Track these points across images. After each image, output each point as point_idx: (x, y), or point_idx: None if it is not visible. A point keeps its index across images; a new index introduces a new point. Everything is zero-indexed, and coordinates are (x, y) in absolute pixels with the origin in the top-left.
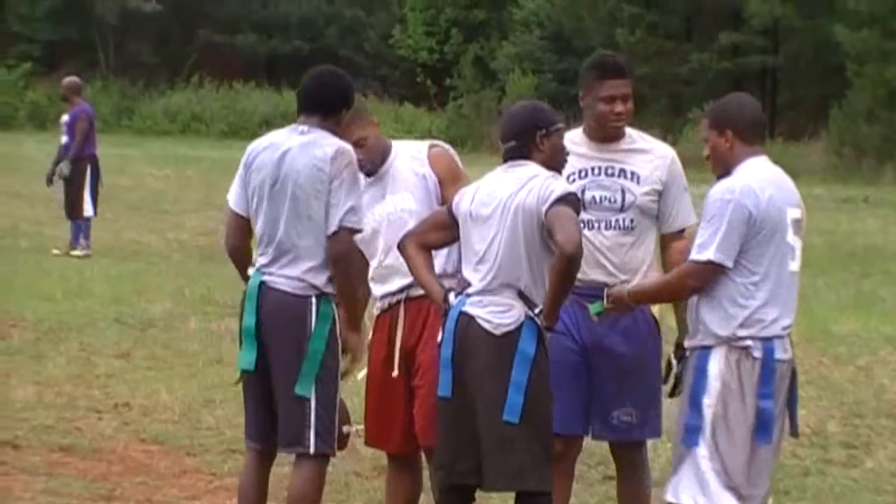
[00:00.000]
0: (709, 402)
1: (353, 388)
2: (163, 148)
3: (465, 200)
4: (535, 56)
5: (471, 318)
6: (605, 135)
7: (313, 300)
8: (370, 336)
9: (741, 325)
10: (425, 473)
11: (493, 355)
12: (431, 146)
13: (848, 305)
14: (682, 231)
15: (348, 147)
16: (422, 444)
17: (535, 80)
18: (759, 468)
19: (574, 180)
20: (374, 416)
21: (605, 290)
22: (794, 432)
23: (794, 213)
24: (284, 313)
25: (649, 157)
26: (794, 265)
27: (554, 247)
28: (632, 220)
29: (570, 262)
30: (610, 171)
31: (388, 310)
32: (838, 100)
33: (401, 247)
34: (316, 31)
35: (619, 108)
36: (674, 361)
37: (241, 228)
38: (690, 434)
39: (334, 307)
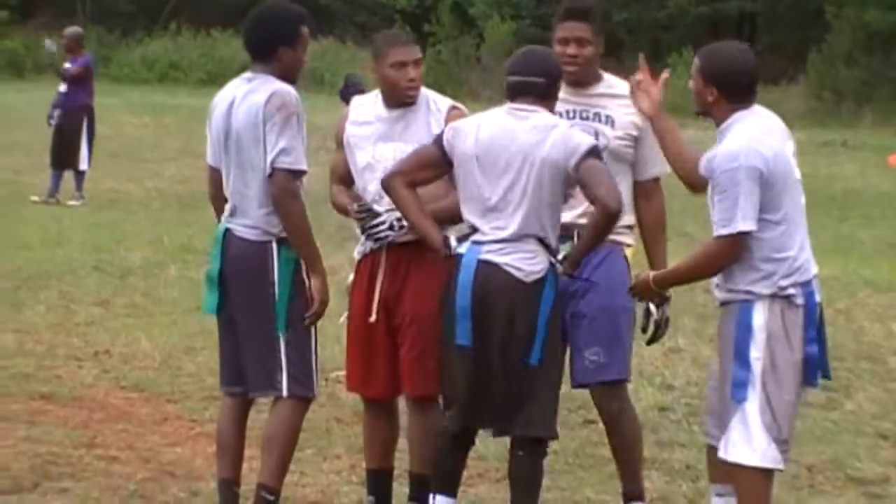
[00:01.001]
0: (756, 355)
1: (335, 334)
2: (141, 96)
3: (463, 139)
4: (514, 1)
5: (494, 265)
6: (566, 78)
7: (273, 245)
8: (351, 278)
9: (783, 276)
10: (403, 419)
11: (523, 302)
12: (453, 108)
13: (827, 249)
14: (656, 180)
15: (284, 89)
16: (409, 394)
17: (513, 25)
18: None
19: None
20: (355, 361)
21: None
22: (827, 374)
23: (790, 147)
24: (246, 260)
25: (625, 101)
26: (803, 198)
27: (583, 199)
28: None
29: (612, 218)
30: (584, 115)
31: (369, 254)
32: (817, 43)
33: (387, 187)
34: None
35: (570, 49)
36: (653, 308)
37: (216, 179)
38: (738, 388)
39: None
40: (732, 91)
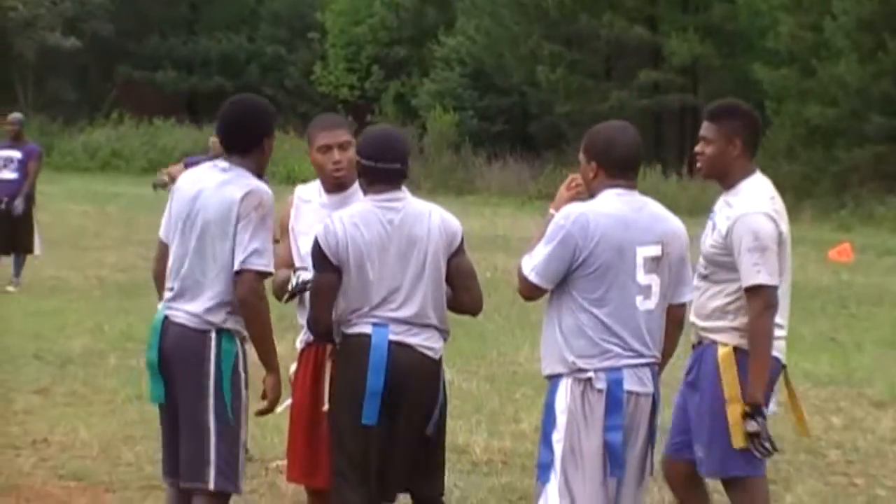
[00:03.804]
0: (557, 437)
1: (274, 424)
2: (82, 184)
3: (346, 247)
4: (457, 93)
5: (407, 347)
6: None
7: (213, 335)
8: (293, 368)
9: (580, 356)
10: None
11: (431, 379)
12: None
13: None
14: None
15: (261, 188)
16: None
17: (455, 116)
18: (623, 501)
19: None
20: (300, 450)
21: None
22: (650, 470)
23: (648, 251)
24: (184, 348)
25: (732, 212)
26: (649, 303)
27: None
28: (705, 268)
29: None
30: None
31: (313, 343)
32: None
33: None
34: (237, 68)
35: (697, 147)
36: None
37: (166, 256)
38: (543, 470)
39: (237, 343)
40: (608, 164)
